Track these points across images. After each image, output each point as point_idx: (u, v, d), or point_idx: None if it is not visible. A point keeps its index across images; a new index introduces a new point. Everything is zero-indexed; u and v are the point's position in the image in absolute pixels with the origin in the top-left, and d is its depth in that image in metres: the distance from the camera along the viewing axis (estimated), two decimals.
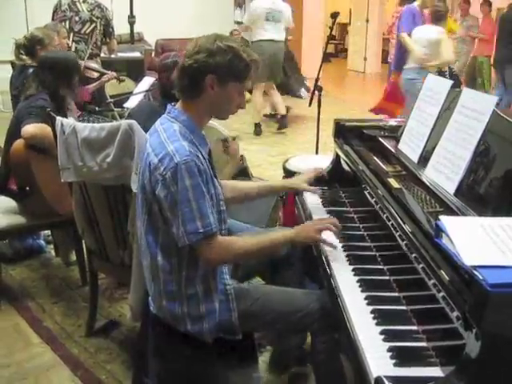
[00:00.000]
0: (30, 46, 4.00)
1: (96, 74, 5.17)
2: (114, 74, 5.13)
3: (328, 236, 2.13)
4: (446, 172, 2.00)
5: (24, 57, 4.08)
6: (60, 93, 3.37)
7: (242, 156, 4.42)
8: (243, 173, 4.30)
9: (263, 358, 2.69)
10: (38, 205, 3.32)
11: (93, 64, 5.33)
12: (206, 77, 1.94)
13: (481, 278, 1.29)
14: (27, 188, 3.38)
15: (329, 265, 2.07)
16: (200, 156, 1.93)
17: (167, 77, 2.87)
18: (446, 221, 1.53)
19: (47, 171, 3.18)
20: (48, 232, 4.10)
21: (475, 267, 1.32)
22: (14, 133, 3.30)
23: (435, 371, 1.47)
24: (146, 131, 2.27)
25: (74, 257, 3.73)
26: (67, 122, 2.66)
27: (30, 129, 3.14)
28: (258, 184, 2.60)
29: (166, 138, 1.93)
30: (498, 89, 8.03)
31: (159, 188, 1.88)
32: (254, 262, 2.43)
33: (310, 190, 2.64)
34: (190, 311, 2.00)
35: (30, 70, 3.92)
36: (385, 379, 1.42)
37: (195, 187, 1.87)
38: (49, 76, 3.34)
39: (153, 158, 1.92)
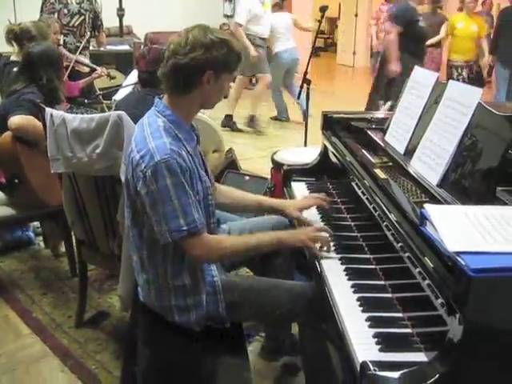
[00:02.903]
0: (20, 36, 3.98)
1: (87, 69, 5.16)
2: (105, 70, 5.11)
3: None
4: (430, 163, 2.03)
5: (14, 43, 4.06)
6: (54, 84, 3.38)
7: (230, 149, 4.45)
8: (232, 166, 4.33)
9: (251, 348, 2.72)
10: (27, 196, 3.32)
11: (83, 59, 5.31)
12: (205, 73, 1.93)
13: (463, 263, 1.32)
14: (16, 180, 3.38)
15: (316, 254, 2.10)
16: (183, 152, 1.92)
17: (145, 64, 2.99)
18: (430, 209, 1.56)
19: (35, 163, 3.19)
20: (37, 224, 4.11)
21: (458, 253, 1.36)
22: (1, 126, 3.29)
23: (419, 356, 1.51)
24: (134, 121, 2.28)
25: (63, 248, 3.74)
26: (56, 113, 2.67)
27: (17, 120, 3.14)
28: (256, 197, 2.54)
29: (148, 134, 1.93)
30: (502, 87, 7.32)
31: (140, 185, 1.89)
32: None
33: (302, 220, 2.37)
34: (177, 303, 2.01)
35: (14, 69, 3.91)
36: (370, 364, 1.44)
37: (176, 185, 1.86)
38: (39, 69, 3.35)
39: (135, 154, 1.92)
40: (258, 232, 2.23)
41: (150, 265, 2.01)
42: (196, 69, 1.92)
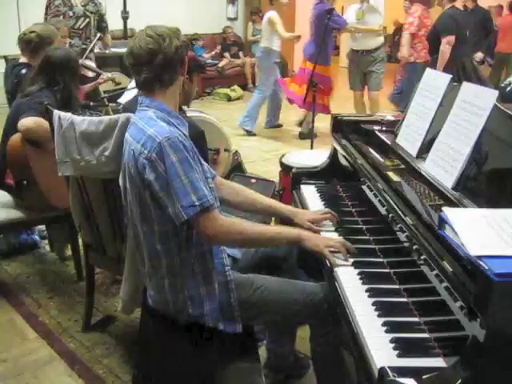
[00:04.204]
0: (39, 45, 3.90)
1: (91, 74, 5.14)
2: (110, 75, 5.08)
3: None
4: (444, 166, 2.00)
5: (26, 53, 4.00)
6: (71, 90, 3.39)
7: (236, 152, 4.43)
8: (238, 168, 4.31)
9: (260, 352, 2.69)
10: (35, 199, 3.31)
11: (89, 63, 5.30)
12: (184, 59, 2.05)
13: (486, 267, 1.29)
14: (24, 182, 3.36)
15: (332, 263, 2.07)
16: (182, 134, 1.95)
17: None
18: (448, 212, 1.54)
19: (44, 165, 3.17)
20: (42, 227, 4.09)
21: (480, 257, 1.33)
22: (11, 127, 3.29)
23: (438, 361, 1.48)
24: None
25: (68, 252, 3.72)
26: (64, 116, 2.64)
27: (26, 122, 3.14)
28: (265, 199, 2.48)
29: (143, 125, 1.96)
30: None
31: (147, 171, 1.89)
32: (253, 257, 2.42)
33: (313, 228, 2.28)
34: (191, 295, 2.00)
35: (23, 71, 3.88)
36: (388, 370, 1.42)
37: (182, 162, 1.88)
38: (56, 74, 3.35)
39: (135, 145, 1.93)
40: None
41: (165, 257, 1.99)
42: (180, 56, 2.02)
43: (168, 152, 1.86)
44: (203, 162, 2.06)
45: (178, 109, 2.12)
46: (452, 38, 6.01)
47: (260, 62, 7.74)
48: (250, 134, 7.47)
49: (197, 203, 1.87)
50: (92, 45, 5.42)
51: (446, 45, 6.02)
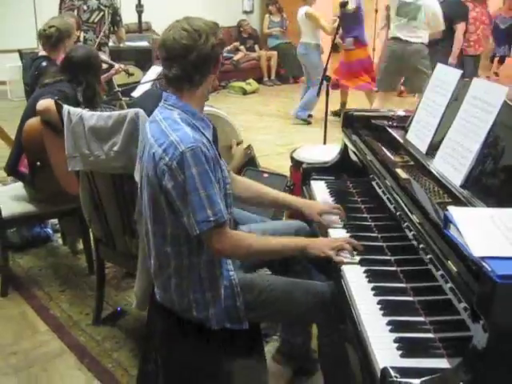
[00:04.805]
0: (59, 39, 3.93)
1: (104, 66, 5.14)
2: (123, 66, 5.09)
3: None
4: (453, 163, 1.98)
5: (47, 47, 4.02)
6: (94, 88, 3.41)
7: (249, 146, 4.42)
8: (251, 162, 4.30)
9: (268, 348, 2.69)
10: (47, 183, 3.32)
11: (102, 56, 5.31)
12: (219, 57, 1.98)
13: (489, 269, 1.27)
14: (38, 164, 3.38)
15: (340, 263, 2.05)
16: (205, 141, 1.91)
17: None
18: (454, 211, 1.52)
19: (59, 149, 3.17)
20: (55, 221, 4.11)
21: (483, 258, 1.31)
22: (29, 116, 3.32)
23: (442, 362, 1.47)
24: None
25: (81, 245, 3.74)
26: (74, 111, 2.65)
27: (45, 102, 3.17)
28: (275, 192, 2.48)
29: (166, 127, 1.92)
30: None
31: (166, 178, 1.86)
32: None
33: (323, 222, 2.32)
34: (196, 298, 2.00)
35: (44, 64, 3.91)
36: (391, 370, 1.41)
37: (202, 174, 1.85)
38: (79, 74, 3.37)
39: (156, 148, 1.90)
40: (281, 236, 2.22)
41: (175, 259, 1.99)
42: (215, 55, 1.96)
43: (189, 163, 1.83)
44: (224, 168, 2.04)
45: (203, 108, 2.06)
46: (464, 25, 5.93)
47: (307, 59, 7.60)
48: (307, 122, 7.63)
49: (211, 218, 1.85)
50: (100, 36, 5.42)
51: (461, 31, 5.94)
